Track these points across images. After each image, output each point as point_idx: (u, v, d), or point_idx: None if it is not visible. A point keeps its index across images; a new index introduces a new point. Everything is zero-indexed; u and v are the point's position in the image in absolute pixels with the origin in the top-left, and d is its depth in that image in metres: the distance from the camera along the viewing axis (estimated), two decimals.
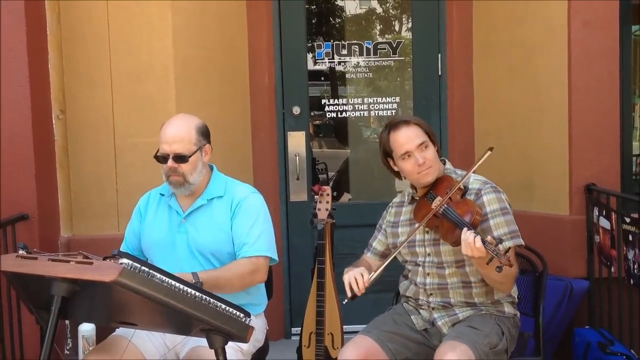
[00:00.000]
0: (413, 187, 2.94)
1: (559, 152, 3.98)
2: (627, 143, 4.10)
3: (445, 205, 2.68)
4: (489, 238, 2.51)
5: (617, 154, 3.97)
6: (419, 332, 2.85)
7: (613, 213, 3.63)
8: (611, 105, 3.93)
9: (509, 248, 2.51)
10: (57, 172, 3.89)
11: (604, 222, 3.72)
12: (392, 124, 2.84)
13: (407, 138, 2.78)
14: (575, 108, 3.90)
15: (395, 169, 2.88)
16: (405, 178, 2.92)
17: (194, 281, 2.55)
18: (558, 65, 3.95)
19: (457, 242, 2.64)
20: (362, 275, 2.69)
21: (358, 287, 2.68)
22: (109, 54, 3.91)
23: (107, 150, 3.95)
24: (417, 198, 2.89)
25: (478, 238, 2.48)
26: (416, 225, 2.84)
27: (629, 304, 3.56)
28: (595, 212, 3.81)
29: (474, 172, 2.80)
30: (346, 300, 2.71)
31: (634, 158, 4.33)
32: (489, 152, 2.72)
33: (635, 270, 3.43)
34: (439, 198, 2.73)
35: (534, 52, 4.10)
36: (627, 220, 3.48)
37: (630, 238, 3.45)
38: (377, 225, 3.08)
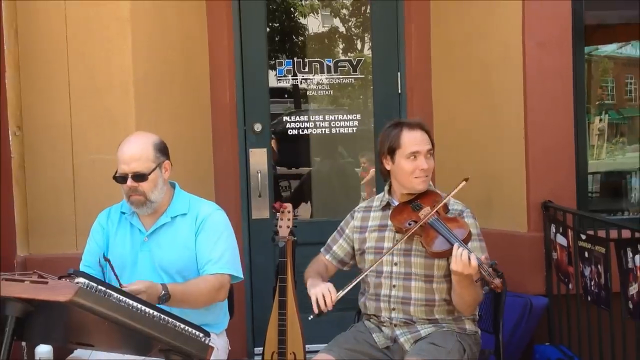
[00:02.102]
0: (389, 193, 2.95)
1: (516, 170, 4.04)
2: (582, 161, 4.17)
3: (435, 217, 2.70)
4: (482, 257, 2.54)
5: (573, 172, 4.04)
6: (380, 350, 2.85)
7: (569, 230, 3.68)
8: (566, 123, 4.01)
9: (501, 272, 2.52)
10: (14, 189, 3.82)
11: (560, 239, 3.77)
12: (406, 123, 2.89)
13: (422, 140, 2.84)
14: (531, 126, 3.97)
15: (388, 167, 2.89)
16: (388, 181, 2.94)
17: (162, 292, 2.53)
18: (513, 84, 4.02)
19: (438, 255, 2.67)
20: (330, 292, 2.68)
21: (325, 304, 2.67)
22: (67, 71, 3.86)
23: (65, 168, 3.89)
24: (394, 204, 2.90)
25: (473, 256, 2.51)
26: (388, 230, 2.86)
27: (587, 320, 3.61)
28: (553, 229, 3.87)
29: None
30: (311, 317, 2.70)
31: (592, 176, 4.42)
32: (463, 182, 2.76)
33: (592, 287, 3.48)
34: (427, 208, 2.75)
35: (490, 71, 4.17)
36: (583, 237, 3.53)
37: (587, 255, 3.50)
38: (339, 228, 3.08)
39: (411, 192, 2.86)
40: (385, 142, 2.88)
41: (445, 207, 2.83)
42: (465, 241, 2.62)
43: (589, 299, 3.53)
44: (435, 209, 2.73)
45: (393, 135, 2.86)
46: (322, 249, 3.10)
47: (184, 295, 2.64)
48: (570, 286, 3.74)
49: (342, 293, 2.68)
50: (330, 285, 2.73)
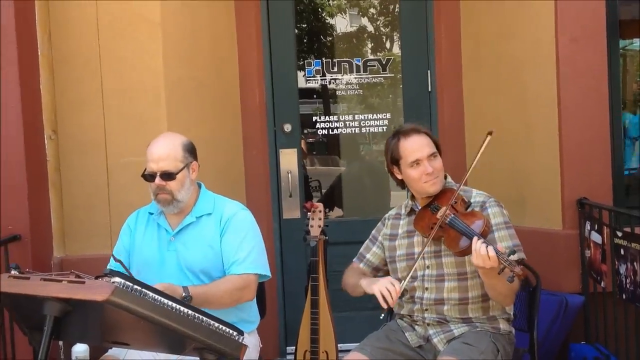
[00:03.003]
0: (413, 198, 2.94)
1: (550, 167, 4.00)
2: (618, 157, 4.10)
3: (452, 215, 2.69)
4: (500, 247, 2.52)
5: (609, 168, 3.98)
6: (412, 349, 2.84)
7: (605, 227, 3.63)
8: (601, 119, 3.95)
9: (522, 259, 2.51)
10: (50, 192, 3.88)
11: (595, 237, 3.72)
12: (402, 131, 2.85)
13: (419, 146, 2.80)
14: (564, 122, 3.92)
15: (399, 177, 2.88)
16: (406, 188, 2.92)
17: (183, 294, 2.56)
18: (546, 80, 3.97)
19: (463, 253, 2.65)
20: (394, 284, 2.67)
21: (392, 298, 2.66)
22: (100, 75, 3.92)
23: (99, 170, 3.95)
24: (417, 209, 2.88)
25: (491, 248, 2.49)
26: (416, 235, 2.85)
27: (624, 318, 3.56)
28: (587, 226, 3.82)
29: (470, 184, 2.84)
30: (383, 315, 2.71)
31: (629, 172, 4.34)
32: (489, 137, 2.72)
33: (627, 285, 3.42)
34: (444, 208, 2.73)
35: (522, 67, 4.12)
36: (619, 234, 3.48)
37: (622, 252, 3.45)
38: (371, 236, 3.07)
39: (428, 195, 2.85)
40: (388, 155, 2.88)
41: (465, 203, 2.79)
42: (484, 233, 2.59)
43: (624, 297, 3.48)
44: (447, 209, 2.70)
45: (392, 146, 2.85)
46: (354, 259, 3.08)
47: (206, 295, 2.66)
48: (602, 284, 3.69)
49: (404, 283, 2.69)
50: (390, 278, 2.74)
